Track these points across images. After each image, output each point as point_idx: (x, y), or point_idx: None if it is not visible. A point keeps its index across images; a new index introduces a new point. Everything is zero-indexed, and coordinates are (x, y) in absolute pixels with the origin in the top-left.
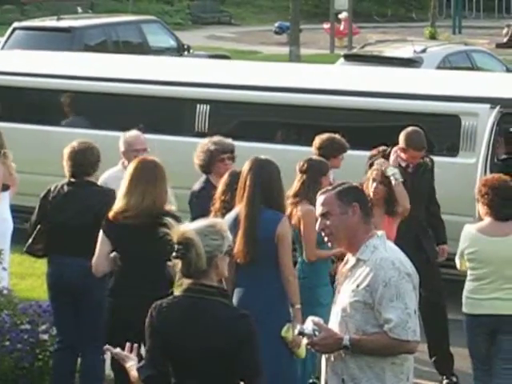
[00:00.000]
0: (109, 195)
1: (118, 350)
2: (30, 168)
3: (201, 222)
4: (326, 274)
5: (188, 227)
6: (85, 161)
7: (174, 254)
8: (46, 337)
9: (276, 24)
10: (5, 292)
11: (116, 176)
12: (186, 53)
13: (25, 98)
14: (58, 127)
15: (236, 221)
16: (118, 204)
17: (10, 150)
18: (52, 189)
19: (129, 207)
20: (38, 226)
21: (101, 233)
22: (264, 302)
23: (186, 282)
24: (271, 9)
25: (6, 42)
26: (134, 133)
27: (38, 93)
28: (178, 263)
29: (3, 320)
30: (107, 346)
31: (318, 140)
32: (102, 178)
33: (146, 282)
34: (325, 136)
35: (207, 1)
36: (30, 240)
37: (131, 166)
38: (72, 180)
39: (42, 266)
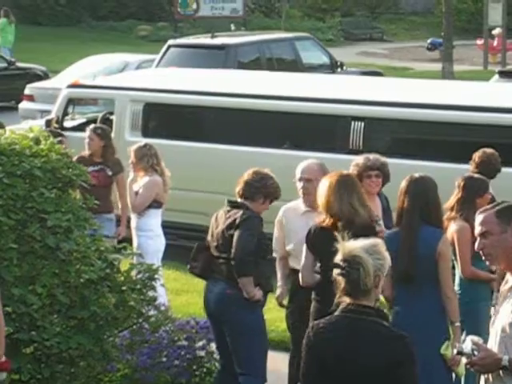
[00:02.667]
0: (249, 215)
1: None
2: (181, 184)
3: (364, 241)
4: (485, 290)
5: (354, 245)
6: (262, 188)
7: (338, 271)
8: (202, 353)
9: (428, 40)
10: (162, 308)
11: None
12: (339, 69)
13: (180, 115)
14: (213, 144)
15: (396, 238)
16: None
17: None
18: (223, 209)
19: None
20: (197, 244)
21: (304, 247)
22: (423, 319)
23: (345, 301)
24: (423, 25)
25: (160, 59)
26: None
27: (194, 110)
28: (341, 281)
29: (161, 336)
30: None
31: (475, 156)
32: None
33: None
34: (482, 152)
35: (359, 17)
36: (191, 256)
37: (330, 179)
38: (233, 200)
39: (198, 282)
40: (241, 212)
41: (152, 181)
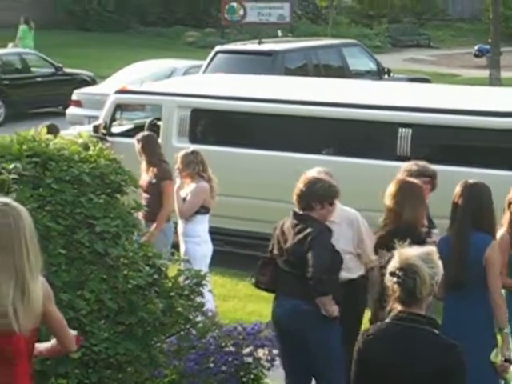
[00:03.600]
0: (320, 228)
1: None
2: (228, 190)
3: (419, 249)
4: None
5: (410, 253)
6: (304, 193)
7: (393, 279)
8: (250, 360)
9: (476, 47)
10: (209, 314)
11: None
12: (386, 76)
13: (227, 121)
14: (260, 150)
15: (448, 244)
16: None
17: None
18: (286, 219)
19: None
20: (264, 258)
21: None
22: (472, 326)
23: (397, 308)
24: (471, 31)
25: (208, 65)
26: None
27: (241, 116)
28: (396, 289)
29: (208, 342)
30: None
31: None
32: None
33: None
34: None
35: (406, 24)
36: (257, 271)
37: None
38: (295, 211)
39: (244, 288)
40: (309, 226)
41: (199, 187)
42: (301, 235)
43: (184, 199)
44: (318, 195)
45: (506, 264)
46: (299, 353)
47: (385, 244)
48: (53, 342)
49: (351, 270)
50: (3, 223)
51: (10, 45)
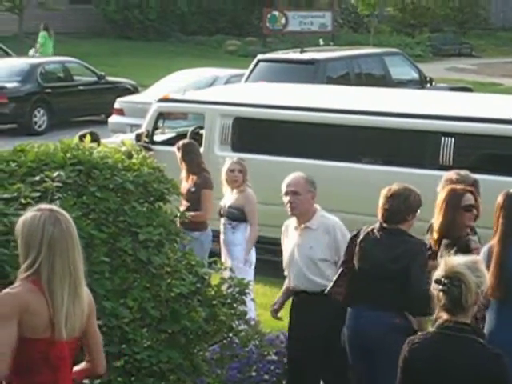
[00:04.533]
0: (418, 246)
1: None
2: (270, 199)
3: (465, 258)
4: None
5: (456, 261)
6: (399, 207)
7: (439, 287)
8: None
9: None
10: (252, 323)
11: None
12: (428, 85)
13: (270, 129)
14: (302, 159)
15: (489, 255)
16: None
17: (253, 181)
18: (362, 230)
19: None
20: (342, 269)
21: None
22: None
23: (442, 317)
24: None
25: (250, 73)
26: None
27: (283, 125)
28: (442, 297)
29: (250, 351)
30: None
31: None
32: None
33: None
34: None
35: (448, 32)
36: (333, 282)
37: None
38: (384, 225)
39: None
40: (405, 241)
41: (252, 195)
42: (397, 251)
43: (231, 207)
44: (413, 207)
45: None
46: (368, 366)
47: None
48: (82, 364)
49: (329, 278)
50: (58, 228)
51: (31, 51)
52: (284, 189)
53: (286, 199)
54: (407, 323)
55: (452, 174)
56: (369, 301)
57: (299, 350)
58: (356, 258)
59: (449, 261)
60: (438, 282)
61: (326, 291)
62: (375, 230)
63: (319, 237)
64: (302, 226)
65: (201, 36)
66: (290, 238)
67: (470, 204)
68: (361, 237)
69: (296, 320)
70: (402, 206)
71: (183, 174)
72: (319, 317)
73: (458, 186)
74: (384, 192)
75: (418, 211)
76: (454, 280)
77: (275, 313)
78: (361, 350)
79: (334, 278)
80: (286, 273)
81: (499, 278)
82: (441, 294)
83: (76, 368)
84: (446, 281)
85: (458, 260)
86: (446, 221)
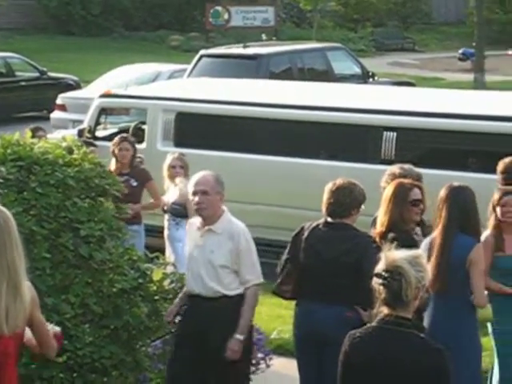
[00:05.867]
0: (367, 240)
1: None
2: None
3: (406, 252)
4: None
5: (397, 255)
6: (345, 201)
7: (379, 281)
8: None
9: (460, 50)
10: None
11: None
12: (370, 80)
13: (212, 125)
14: (244, 154)
15: (430, 247)
16: None
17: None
18: (306, 227)
19: None
20: (288, 266)
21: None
22: (453, 330)
23: (383, 311)
24: (455, 35)
25: (192, 69)
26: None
27: (226, 120)
28: (382, 291)
29: None
30: None
31: (501, 164)
32: None
33: None
34: (508, 160)
35: (391, 27)
36: (279, 281)
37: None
38: (329, 220)
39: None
40: (353, 235)
41: None
42: (345, 246)
43: (174, 203)
44: (359, 201)
45: (487, 266)
46: (321, 361)
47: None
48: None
49: (227, 287)
50: None
51: None
52: (192, 188)
53: (193, 199)
54: (359, 317)
55: (395, 168)
56: (319, 296)
57: (182, 362)
58: (302, 255)
59: (390, 255)
60: (378, 275)
61: (273, 289)
62: (320, 226)
63: (222, 242)
64: (206, 227)
65: (144, 31)
66: (192, 239)
67: (418, 199)
68: (306, 233)
69: (186, 324)
70: (347, 200)
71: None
72: (211, 325)
73: (406, 181)
74: (329, 186)
75: (363, 205)
76: (394, 274)
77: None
78: (312, 345)
79: (281, 277)
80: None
81: (440, 271)
82: (381, 287)
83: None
84: (386, 275)
85: (399, 254)
86: (392, 215)
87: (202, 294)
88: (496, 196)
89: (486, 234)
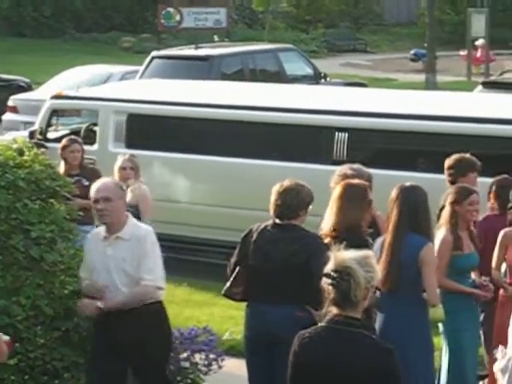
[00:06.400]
0: (316, 240)
1: None
2: (164, 196)
3: (356, 252)
4: (466, 300)
5: (346, 255)
6: (292, 202)
7: (328, 281)
8: (187, 364)
9: (412, 51)
10: None
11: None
12: (322, 81)
13: (163, 126)
14: (195, 155)
15: (382, 247)
16: None
17: (147, 178)
18: (254, 229)
19: None
20: (237, 268)
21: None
22: (404, 328)
23: (332, 311)
24: (407, 36)
25: (144, 70)
26: None
27: (177, 121)
28: (331, 291)
29: None
30: None
31: (447, 161)
32: None
33: None
34: (453, 156)
35: (343, 28)
36: (229, 283)
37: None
38: (277, 222)
39: (182, 293)
40: (302, 236)
41: (147, 191)
42: (294, 247)
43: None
44: (306, 202)
45: (445, 265)
46: (271, 361)
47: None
48: None
49: None
50: None
51: None
52: (93, 195)
53: (96, 207)
54: (310, 316)
55: (346, 169)
56: (269, 297)
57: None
58: (252, 257)
59: (339, 255)
60: (327, 275)
61: (222, 292)
62: (269, 227)
63: (132, 248)
64: (114, 236)
65: (96, 33)
66: (98, 250)
67: (370, 200)
68: (254, 235)
69: (105, 338)
70: (295, 201)
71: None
72: (126, 334)
73: (356, 181)
74: (276, 188)
75: (310, 206)
76: (343, 274)
77: None
78: (263, 346)
79: (231, 279)
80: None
81: (390, 270)
82: (330, 288)
83: None
84: (335, 275)
85: (348, 254)
86: (344, 216)
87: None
88: (456, 195)
89: (442, 232)
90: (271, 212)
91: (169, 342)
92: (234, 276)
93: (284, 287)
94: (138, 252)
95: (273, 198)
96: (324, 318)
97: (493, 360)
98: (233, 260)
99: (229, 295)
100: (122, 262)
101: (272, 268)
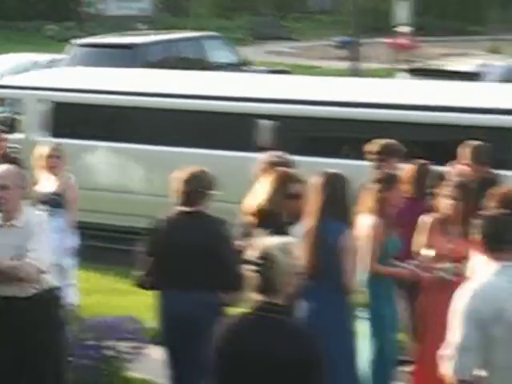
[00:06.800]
0: (221, 225)
1: None
2: (89, 184)
3: (278, 239)
4: (387, 286)
5: (269, 242)
6: (196, 189)
7: (251, 267)
8: (111, 353)
9: (336, 38)
10: (69, 308)
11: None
12: (246, 68)
13: (88, 114)
14: (121, 143)
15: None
16: None
17: (72, 166)
18: (162, 217)
19: None
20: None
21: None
22: (327, 314)
23: (256, 298)
24: (331, 23)
25: (68, 58)
26: None
27: (101, 109)
28: (253, 278)
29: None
30: None
31: (370, 146)
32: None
33: None
34: (377, 142)
35: (267, 16)
36: (139, 271)
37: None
38: (183, 209)
39: (108, 282)
40: (208, 222)
41: (72, 180)
42: (204, 233)
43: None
44: (209, 188)
45: (378, 251)
46: (190, 344)
47: None
48: None
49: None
50: None
51: None
52: None
53: None
54: (220, 300)
55: (270, 157)
56: (179, 284)
57: None
58: (161, 245)
59: (261, 242)
60: (249, 262)
61: (134, 282)
62: (176, 215)
63: (27, 235)
64: (8, 223)
65: (19, 21)
66: None
67: (298, 190)
68: (162, 224)
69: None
70: (199, 187)
71: None
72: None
73: (284, 170)
74: (178, 175)
75: (213, 192)
76: (266, 261)
77: None
78: (177, 330)
79: (145, 268)
80: None
81: (312, 257)
82: (253, 274)
83: None
84: (258, 261)
85: (270, 241)
86: (270, 203)
87: (16, 295)
88: (383, 181)
89: (371, 218)
90: (176, 199)
91: (60, 334)
92: (143, 264)
93: (194, 273)
94: (28, 237)
95: (176, 185)
96: (245, 304)
97: (419, 346)
98: (144, 250)
99: (140, 284)
100: (16, 250)
101: (180, 254)
